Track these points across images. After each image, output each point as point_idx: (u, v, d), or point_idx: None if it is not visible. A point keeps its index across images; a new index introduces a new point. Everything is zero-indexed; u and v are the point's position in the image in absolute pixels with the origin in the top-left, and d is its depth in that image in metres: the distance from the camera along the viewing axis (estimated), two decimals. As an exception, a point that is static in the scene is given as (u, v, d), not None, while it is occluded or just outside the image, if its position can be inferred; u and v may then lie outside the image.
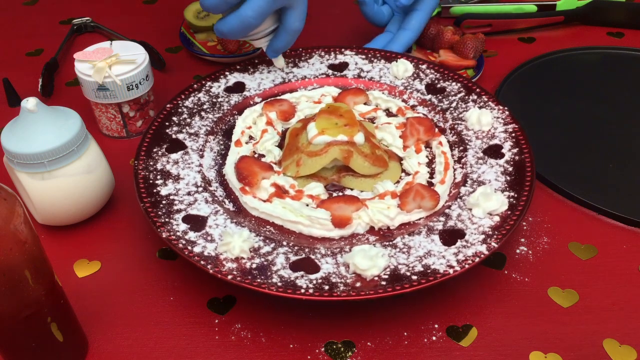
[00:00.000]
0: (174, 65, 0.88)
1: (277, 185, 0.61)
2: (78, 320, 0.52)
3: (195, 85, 0.74)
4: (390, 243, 0.56)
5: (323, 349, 0.53)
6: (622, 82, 0.82)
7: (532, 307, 0.55)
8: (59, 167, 0.58)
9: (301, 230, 0.58)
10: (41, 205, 0.60)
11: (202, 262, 0.53)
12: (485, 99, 0.70)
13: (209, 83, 0.74)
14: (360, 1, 0.81)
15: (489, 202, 0.57)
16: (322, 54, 0.79)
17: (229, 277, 0.51)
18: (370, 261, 0.51)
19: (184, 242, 0.55)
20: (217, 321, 0.55)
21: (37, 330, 0.47)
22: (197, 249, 0.54)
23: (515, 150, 0.63)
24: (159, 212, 0.58)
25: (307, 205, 0.60)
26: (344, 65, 0.77)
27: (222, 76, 0.76)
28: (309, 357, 0.52)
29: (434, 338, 0.53)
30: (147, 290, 0.58)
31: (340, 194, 0.62)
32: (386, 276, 0.52)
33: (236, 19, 0.65)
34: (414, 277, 0.51)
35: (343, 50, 0.79)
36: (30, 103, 0.55)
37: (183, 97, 0.72)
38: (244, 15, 0.64)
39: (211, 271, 0.52)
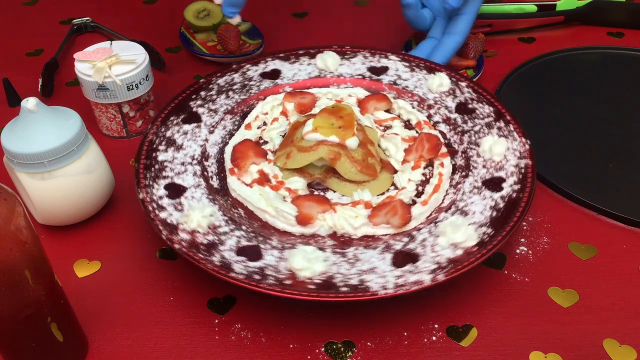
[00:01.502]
0: (174, 65, 0.88)
1: (262, 173, 0.63)
2: (78, 320, 0.52)
3: (234, 66, 0.76)
4: (341, 251, 0.55)
5: (323, 349, 0.53)
6: (622, 82, 0.82)
7: (532, 307, 0.55)
8: (59, 167, 0.58)
9: (267, 219, 0.59)
10: (41, 205, 0.60)
11: (160, 227, 0.55)
12: (512, 129, 0.65)
13: (247, 66, 0.76)
14: (405, 4, 0.77)
15: (456, 233, 0.54)
16: (367, 55, 0.77)
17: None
18: (307, 263, 0.52)
19: (155, 205, 0.57)
20: (217, 321, 0.55)
21: (37, 330, 0.47)
22: (163, 214, 0.57)
23: (516, 187, 0.59)
24: (148, 175, 0.61)
25: (284, 197, 0.61)
26: (383, 70, 0.76)
27: (262, 61, 0.77)
28: (309, 357, 0.52)
29: (434, 338, 0.53)
30: (147, 290, 0.58)
31: (322, 193, 0.62)
32: (319, 281, 0.51)
33: None
34: (343, 289, 0.50)
35: (388, 54, 0.77)
36: (30, 103, 0.55)
37: (219, 74, 0.74)
38: None
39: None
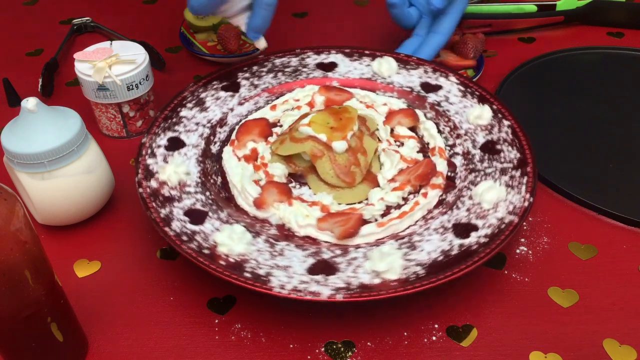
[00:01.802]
0: (174, 65, 0.88)
1: (254, 151, 0.66)
2: (78, 320, 0.52)
3: (297, 51, 0.78)
4: (273, 242, 0.56)
5: (323, 349, 0.53)
6: (622, 82, 0.82)
7: (532, 307, 0.55)
8: (59, 167, 0.58)
9: (234, 193, 0.62)
10: (41, 205, 0.60)
11: (139, 172, 0.60)
12: (524, 181, 0.60)
13: (309, 53, 0.77)
14: (390, 3, 0.78)
15: (380, 262, 0.52)
16: (428, 70, 0.75)
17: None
18: (229, 240, 0.54)
19: (149, 151, 0.63)
20: (217, 321, 0.55)
21: (37, 330, 0.47)
22: (150, 160, 0.62)
23: (483, 241, 0.54)
24: (163, 125, 0.67)
25: (260, 180, 0.63)
26: (435, 88, 0.73)
27: (325, 52, 0.78)
28: (309, 357, 0.52)
29: (434, 338, 0.53)
30: (147, 290, 0.58)
31: (298, 186, 0.63)
32: (232, 260, 0.53)
33: None
34: (248, 275, 0.51)
35: (449, 75, 0.73)
36: (30, 103, 0.55)
37: (280, 54, 0.77)
38: None
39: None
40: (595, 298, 0.56)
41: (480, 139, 0.66)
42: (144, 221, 0.64)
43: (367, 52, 0.77)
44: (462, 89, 0.72)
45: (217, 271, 0.51)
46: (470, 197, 0.60)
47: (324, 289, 0.50)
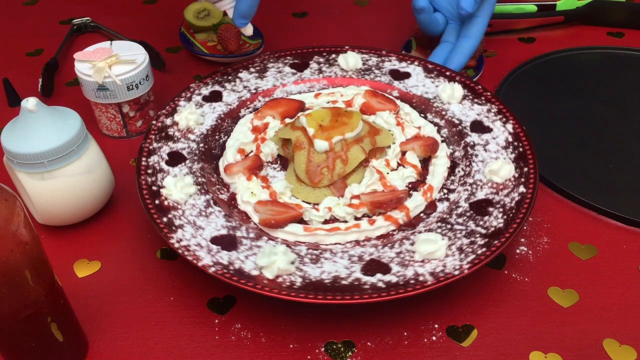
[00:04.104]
0: (174, 65, 0.88)
1: (266, 125, 0.68)
2: (78, 320, 0.52)
3: (383, 52, 0.77)
4: (198, 209, 0.59)
5: (323, 349, 0.53)
6: (622, 82, 0.82)
7: (532, 307, 0.55)
8: (59, 167, 0.58)
9: (225, 156, 0.66)
10: (41, 205, 0.60)
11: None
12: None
13: (392, 57, 0.77)
14: (417, 8, 0.76)
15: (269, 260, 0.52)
16: (492, 109, 0.69)
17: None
18: (175, 187, 0.59)
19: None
20: (217, 321, 0.55)
21: (37, 330, 0.47)
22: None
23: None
24: (207, 80, 0.73)
25: (250, 152, 0.66)
26: (484, 129, 0.67)
27: (408, 61, 0.76)
28: (309, 357, 0.52)
29: (434, 338, 0.53)
30: (147, 290, 0.58)
31: (279, 168, 0.65)
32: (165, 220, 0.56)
33: None
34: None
35: (506, 119, 0.67)
36: (30, 103, 0.55)
37: (365, 50, 0.77)
38: None
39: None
40: (595, 298, 0.56)
41: (480, 195, 0.60)
42: (144, 221, 0.64)
43: (447, 72, 0.74)
44: (512, 129, 0.66)
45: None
46: (412, 243, 0.56)
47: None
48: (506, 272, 0.59)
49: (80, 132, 0.59)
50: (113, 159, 0.65)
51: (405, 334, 0.53)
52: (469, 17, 0.77)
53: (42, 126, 0.56)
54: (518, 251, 0.60)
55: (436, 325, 0.54)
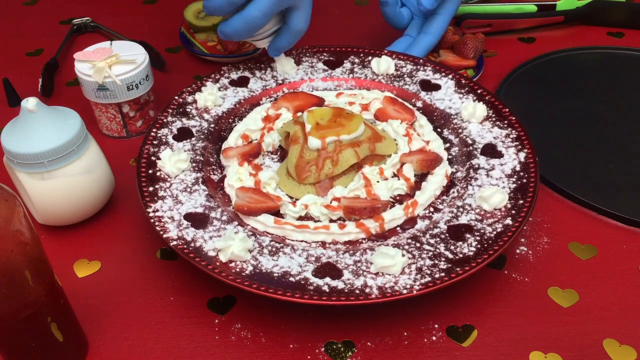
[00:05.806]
0: (174, 65, 0.88)
1: (277, 116, 0.70)
2: (78, 320, 0.52)
3: (421, 60, 0.77)
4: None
5: (323, 349, 0.53)
6: (622, 82, 0.82)
7: (532, 307, 0.55)
8: (59, 167, 0.58)
9: (228, 139, 0.68)
10: (41, 205, 0.60)
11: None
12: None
13: (428, 67, 0.76)
14: (382, 1, 0.79)
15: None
16: (511, 135, 0.66)
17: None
18: (169, 160, 0.62)
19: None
20: (217, 321, 0.55)
21: (37, 330, 0.47)
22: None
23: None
24: (229, 66, 0.76)
25: (254, 140, 0.68)
26: (495, 154, 0.65)
27: (442, 73, 0.75)
28: (309, 357, 0.52)
29: (434, 338, 0.53)
30: (147, 290, 0.58)
31: (277, 159, 0.67)
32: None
33: (241, 20, 0.64)
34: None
35: (522, 147, 0.64)
36: (30, 103, 0.55)
37: (405, 58, 0.77)
38: (249, 15, 0.64)
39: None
40: (595, 298, 0.56)
41: (463, 220, 0.58)
42: (144, 221, 0.64)
43: (478, 90, 0.71)
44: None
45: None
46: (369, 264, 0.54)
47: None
48: (506, 272, 0.59)
49: (80, 132, 0.59)
50: (113, 159, 0.65)
51: (405, 334, 0.53)
52: (430, 14, 0.79)
53: (42, 126, 0.56)
54: (518, 251, 0.60)
55: (436, 325, 0.54)
